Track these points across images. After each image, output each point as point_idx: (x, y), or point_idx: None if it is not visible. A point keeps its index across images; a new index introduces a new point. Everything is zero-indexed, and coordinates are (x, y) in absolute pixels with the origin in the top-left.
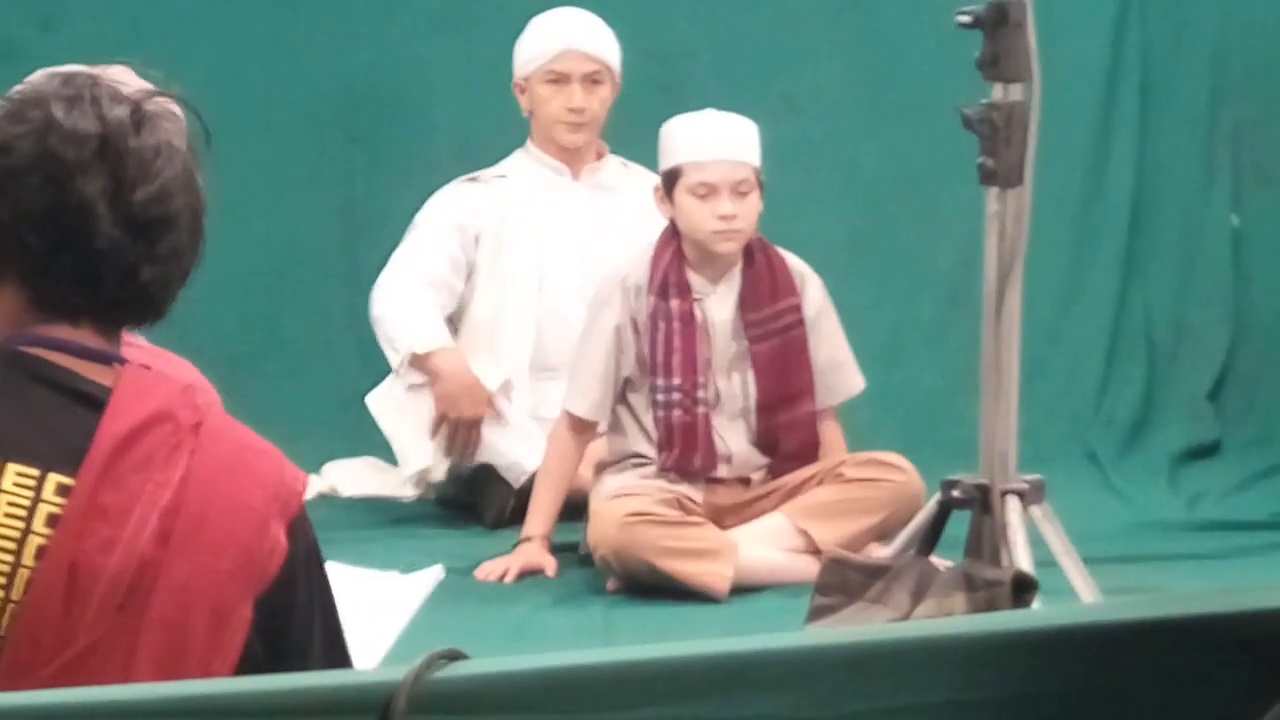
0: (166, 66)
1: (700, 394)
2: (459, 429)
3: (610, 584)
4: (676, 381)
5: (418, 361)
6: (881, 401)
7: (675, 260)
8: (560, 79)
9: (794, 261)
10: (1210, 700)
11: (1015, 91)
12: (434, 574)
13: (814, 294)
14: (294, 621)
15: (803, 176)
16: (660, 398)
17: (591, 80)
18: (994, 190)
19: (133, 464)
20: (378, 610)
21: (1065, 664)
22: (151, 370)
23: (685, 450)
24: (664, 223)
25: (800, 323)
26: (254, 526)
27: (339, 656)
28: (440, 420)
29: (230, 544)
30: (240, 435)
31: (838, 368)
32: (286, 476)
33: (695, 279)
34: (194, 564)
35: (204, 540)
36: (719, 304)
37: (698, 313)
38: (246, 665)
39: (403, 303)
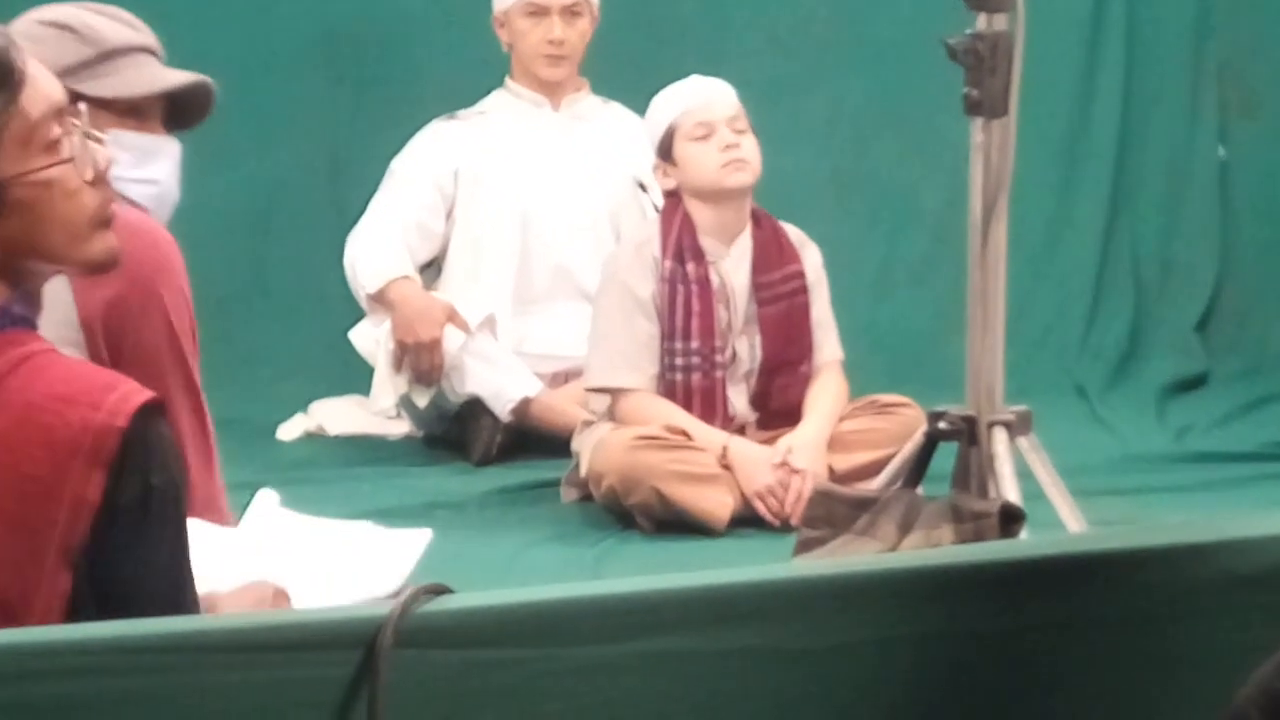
0: (151, 11)
1: (719, 358)
2: (420, 353)
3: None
4: (695, 345)
5: (378, 299)
6: (869, 338)
7: (686, 225)
8: (539, 11)
9: (792, 230)
10: (1213, 631)
11: (999, 22)
12: (423, 536)
13: (814, 260)
14: (124, 560)
15: (788, 114)
16: (679, 361)
17: (571, 12)
18: (979, 121)
19: None
20: (367, 576)
21: (1052, 594)
22: None
23: (705, 413)
24: (644, 149)
25: (804, 289)
26: (38, 497)
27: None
28: (401, 349)
29: (10, 529)
30: (46, 386)
31: (820, 334)
32: (97, 422)
33: (708, 243)
34: None
35: None
36: (735, 267)
37: (714, 276)
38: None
39: (365, 247)
